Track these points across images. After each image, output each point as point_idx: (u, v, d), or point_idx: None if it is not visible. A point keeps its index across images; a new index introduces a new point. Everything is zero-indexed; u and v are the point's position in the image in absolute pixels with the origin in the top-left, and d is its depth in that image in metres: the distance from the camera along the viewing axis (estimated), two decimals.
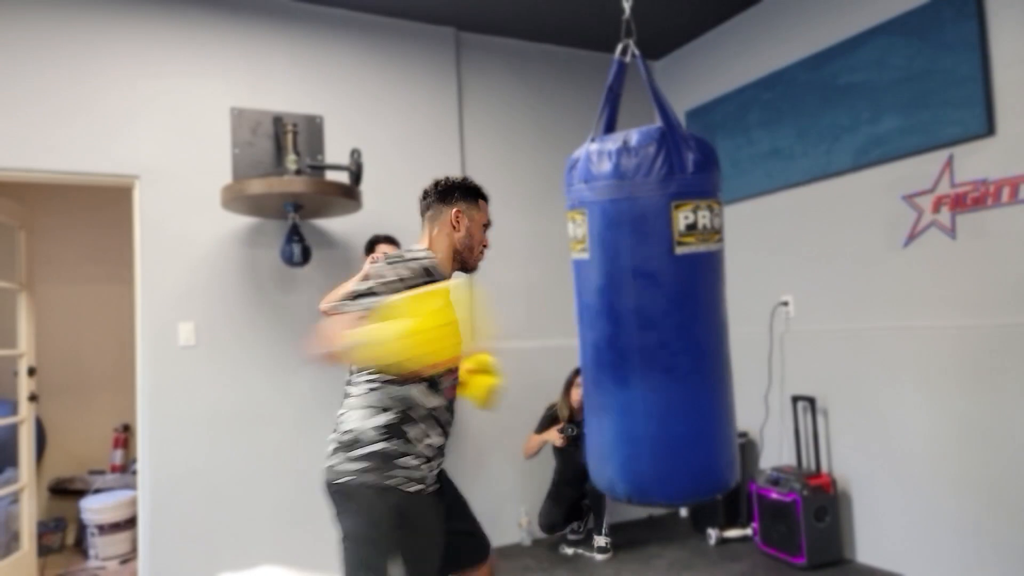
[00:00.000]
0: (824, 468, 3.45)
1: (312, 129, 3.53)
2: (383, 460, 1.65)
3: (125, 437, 4.54)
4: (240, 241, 3.43)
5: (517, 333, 3.90)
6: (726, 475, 1.93)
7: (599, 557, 3.59)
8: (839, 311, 3.43)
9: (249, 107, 3.43)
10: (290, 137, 3.32)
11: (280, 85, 3.55)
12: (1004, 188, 2.76)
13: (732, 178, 3.96)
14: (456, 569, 1.88)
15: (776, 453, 3.75)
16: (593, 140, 1.96)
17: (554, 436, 3.65)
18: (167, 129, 3.31)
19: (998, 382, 2.78)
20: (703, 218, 1.84)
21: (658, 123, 1.91)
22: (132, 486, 4.08)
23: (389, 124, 3.79)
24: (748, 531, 3.66)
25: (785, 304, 3.68)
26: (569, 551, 3.69)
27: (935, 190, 2.99)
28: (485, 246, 1.91)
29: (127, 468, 4.44)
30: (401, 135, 3.81)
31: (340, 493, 1.67)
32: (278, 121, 3.44)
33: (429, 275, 1.71)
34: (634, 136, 1.86)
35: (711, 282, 1.91)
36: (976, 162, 2.85)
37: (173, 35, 3.36)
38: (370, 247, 3.22)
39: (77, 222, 4.68)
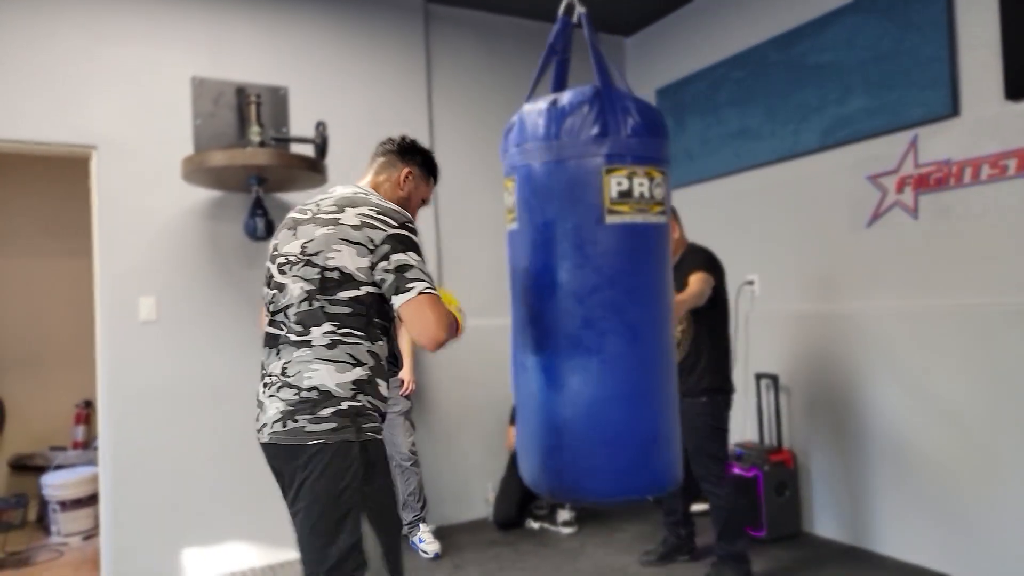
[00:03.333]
0: (785, 444, 3.51)
1: (276, 101, 3.45)
2: (356, 414, 1.61)
3: (87, 413, 4.47)
4: (202, 215, 3.35)
5: (484, 311, 3.88)
6: (661, 475, 1.74)
7: (564, 531, 3.63)
8: (804, 290, 3.47)
9: (211, 77, 3.33)
10: (253, 108, 3.24)
11: (243, 55, 3.46)
12: (966, 169, 2.80)
13: (701, 157, 3.96)
14: None
15: (740, 429, 3.80)
16: (527, 100, 1.81)
17: None
18: (126, 98, 3.21)
19: (956, 361, 2.84)
20: (640, 186, 1.67)
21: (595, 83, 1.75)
22: (95, 463, 4.01)
23: (356, 96, 3.72)
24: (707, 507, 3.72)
25: (751, 283, 3.71)
26: (535, 525, 3.73)
27: (899, 171, 3.02)
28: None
29: (89, 444, 4.38)
30: (368, 108, 3.74)
31: (302, 454, 1.58)
32: (241, 92, 3.34)
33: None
34: (567, 95, 1.71)
35: (649, 257, 1.73)
36: (940, 143, 2.87)
37: (132, 1, 3.24)
38: None
39: (34, 193, 4.55)
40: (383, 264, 1.61)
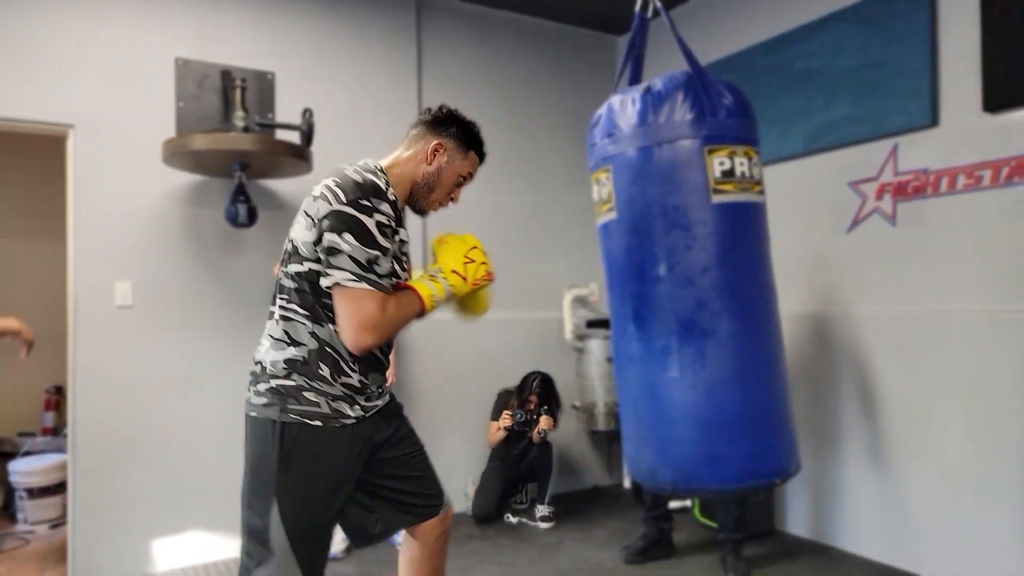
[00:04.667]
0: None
1: (263, 86, 3.40)
2: (285, 394, 1.54)
3: (57, 399, 4.37)
4: (182, 199, 3.29)
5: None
6: (784, 458, 1.69)
7: (542, 526, 3.65)
8: (784, 294, 3.49)
9: (196, 59, 3.28)
10: (239, 93, 3.19)
11: (230, 38, 3.40)
12: (943, 178, 2.86)
13: None
14: (406, 522, 1.81)
15: None
16: (615, 93, 1.80)
17: (505, 421, 3.68)
18: (106, 77, 3.14)
19: (928, 365, 2.91)
20: (741, 165, 1.65)
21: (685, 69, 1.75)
22: (64, 450, 3.93)
23: (345, 85, 3.68)
24: (688, 502, 3.77)
25: None
26: (513, 520, 3.74)
27: (879, 178, 3.08)
28: (452, 199, 1.72)
29: (59, 431, 4.28)
30: (357, 97, 3.70)
31: (247, 424, 1.60)
32: (226, 75, 3.29)
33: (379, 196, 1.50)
34: (659, 81, 1.70)
35: (755, 236, 1.73)
36: (919, 152, 2.94)
37: None
38: None
39: (7, 172, 4.42)
40: (321, 241, 1.46)
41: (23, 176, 4.42)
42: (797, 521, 3.45)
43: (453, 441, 3.92)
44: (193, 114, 3.25)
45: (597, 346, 4.12)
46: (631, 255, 1.71)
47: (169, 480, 3.20)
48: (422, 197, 1.66)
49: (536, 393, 3.74)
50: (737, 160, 1.66)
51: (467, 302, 1.73)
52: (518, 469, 3.78)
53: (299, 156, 3.09)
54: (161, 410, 3.20)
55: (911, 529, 2.95)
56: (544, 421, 3.66)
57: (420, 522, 1.81)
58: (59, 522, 3.80)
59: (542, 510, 3.69)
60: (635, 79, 1.91)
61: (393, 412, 1.78)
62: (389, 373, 3.39)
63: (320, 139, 3.29)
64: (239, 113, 3.14)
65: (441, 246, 1.69)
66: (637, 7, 1.93)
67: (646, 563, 3.13)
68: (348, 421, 1.59)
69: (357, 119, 3.68)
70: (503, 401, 3.82)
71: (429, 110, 1.69)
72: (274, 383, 1.55)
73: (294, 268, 1.54)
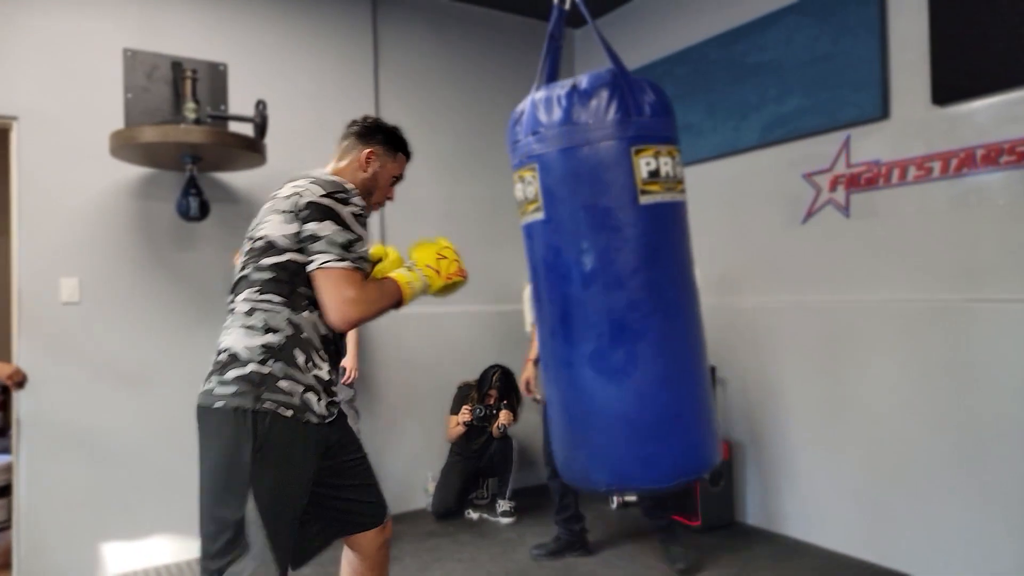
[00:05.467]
0: (722, 435, 3.59)
1: (215, 77, 3.32)
2: (259, 382, 1.54)
3: (3, 399, 4.24)
4: (131, 193, 3.22)
5: (430, 299, 3.85)
6: (711, 452, 1.74)
7: (504, 521, 3.63)
8: (741, 284, 3.54)
9: (144, 49, 3.20)
10: (189, 84, 3.11)
11: (180, 28, 3.33)
12: (894, 170, 2.90)
13: None
14: (346, 532, 1.79)
15: None
16: (538, 89, 1.79)
17: (465, 416, 3.65)
18: (51, 68, 3.06)
19: (884, 353, 2.94)
20: (665, 165, 1.66)
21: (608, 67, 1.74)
22: (9, 451, 3.82)
23: (299, 77, 3.63)
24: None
25: None
26: (474, 516, 3.71)
27: (832, 169, 3.12)
28: (389, 198, 1.89)
29: (4, 432, 4.15)
30: (312, 89, 3.66)
31: (208, 417, 1.58)
32: (177, 66, 3.21)
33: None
34: (584, 79, 1.69)
35: (680, 236, 1.75)
36: (870, 144, 2.98)
37: None
38: None
39: None
40: (301, 232, 1.59)
41: None
42: (758, 513, 3.47)
43: (412, 435, 3.89)
44: (142, 106, 3.17)
45: None
46: (559, 256, 1.69)
47: (120, 481, 3.12)
48: (364, 200, 1.77)
49: (496, 387, 3.72)
50: (662, 160, 1.67)
51: (441, 295, 1.85)
52: (479, 464, 3.76)
53: (252, 148, 3.03)
54: (111, 408, 3.12)
55: (871, 519, 2.98)
56: (504, 416, 3.64)
57: (362, 532, 1.79)
58: (3, 526, 3.68)
59: (503, 505, 3.67)
60: (552, 74, 1.91)
61: (340, 419, 1.77)
62: (351, 368, 3.39)
63: (274, 131, 3.23)
64: (190, 105, 3.07)
65: (416, 247, 1.82)
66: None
67: (560, 559, 3.11)
68: (313, 419, 1.60)
69: (312, 111, 3.63)
70: (463, 395, 3.79)
71: (355, 122, 1.85)
72: (249, 369, 1.54)
73: (270, 260, 1.60)
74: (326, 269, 1.55)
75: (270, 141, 3.19)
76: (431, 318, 3.96)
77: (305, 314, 1.61)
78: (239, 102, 3.34)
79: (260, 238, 1.63)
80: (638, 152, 1.64)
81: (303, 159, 3.52)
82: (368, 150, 1.80)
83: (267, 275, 1.60)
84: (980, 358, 2.62)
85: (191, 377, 3.27)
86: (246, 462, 1.51)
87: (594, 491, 1.77)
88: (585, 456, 1.72)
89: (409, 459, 3.88)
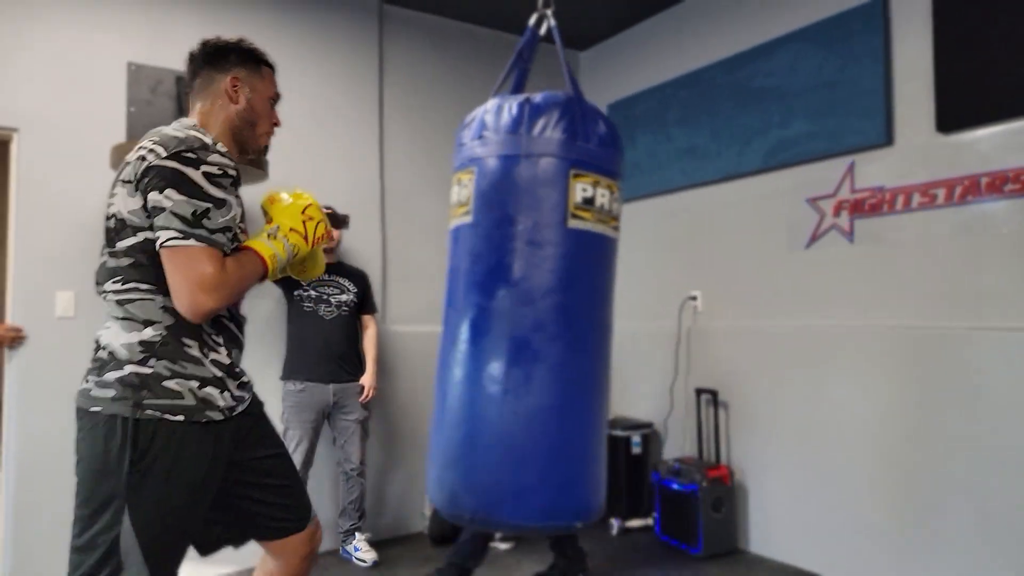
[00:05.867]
0: (723, 460, 3.55)
1: None
2: (140, 385, 1.36)
3: None
4: None
5: (432, 317, 3.81)
6: (591, 498, 1.64)
7: (502, 547, 3.56)
8: (744, 307, 3.53)
9: (149, 63, 3.18)
10: None
11: (185, 43, 3.26)
12: (899, 196, 2.91)
13: (650, 172, 4.01)
14: (256, 536, 1.59)
15: (679, 444, 3.83)
16: (493, 97, 1.79)
17: None
18: (55, 80, 3.04)
19: (886, 380, 2.92)
20: (602, 197, 1.66)
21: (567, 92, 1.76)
22: None
23: (304, 92, 3.62)
24: (650, 521, 3.73)
25: (693, 299, 3.76)
26: None
27: (837, 195, 3.12)
28: (276, 124, 1.62)
29: None
30: (316, 104, 3.65)
31: (84, 419, 1.42)
32: (181, 81, 3.19)
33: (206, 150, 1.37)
34: (539, 96, 1.69)
35: (602, 270, 1.71)
36: (875, 170, 2.98)
37: None
38: None
39: None
40: (147, 204, 1.34)
41: None
42: (761, 540, 3.42)
43: (410, 458, 3.83)
44: (145, 119, 3.14)
45: None
46: (479, 263, 1.66)
47: None
48: (248, 136, 1.56)
49: None
50: (599, 191, 1.66)
51: (307, 262, 1.66)
52: None
53: (254, 163, 3.01)
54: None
55: (879, 550, 2.95)
56: None
57: (278, 538, 1.60)
58: None
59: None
60: (518, 91, 1.92)
61: (254, 408, 1.58)
62: (369, 387, 3.35)
63: (276, 146, 3.20)
64: None
65: (274, 205, 1.56)
66: (531, 22, 1.95)
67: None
68: (216, 415, 1.41)
69: (314, 126, 3.62)
70: None
71: (197, 52, 1.56)
72: (127, 370, 1.37)
73: (125, 243, 1.39)
74: (168, 248, 1.31)
75: (272, 156, 3.17)
76: (429, 337, 3.92)
77: None
78: None
79: (111, 216, 1.41)
80: (576, 176, 1.64)
81: (306, 175, 3.55)
82: (230, 76, 1.52)
83: (125, 261, 1.39)
84: (983, 386, 2.60)
85: None
86: (122, 474, 1.34)
87: (458, 518, 1.64)
88: (457, 478, 1.63)
89: (407, 482, 3.81)
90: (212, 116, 1.52)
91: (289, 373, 3.28)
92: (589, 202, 1.65)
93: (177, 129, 1.41)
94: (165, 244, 1.32)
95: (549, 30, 1.94)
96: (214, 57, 1.54)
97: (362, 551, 3.31)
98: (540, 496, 1.56)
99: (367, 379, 3.35)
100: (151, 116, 3.16)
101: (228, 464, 1.48)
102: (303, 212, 1.54)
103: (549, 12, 1.94)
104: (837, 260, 3.11)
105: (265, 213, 1.58)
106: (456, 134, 1.83)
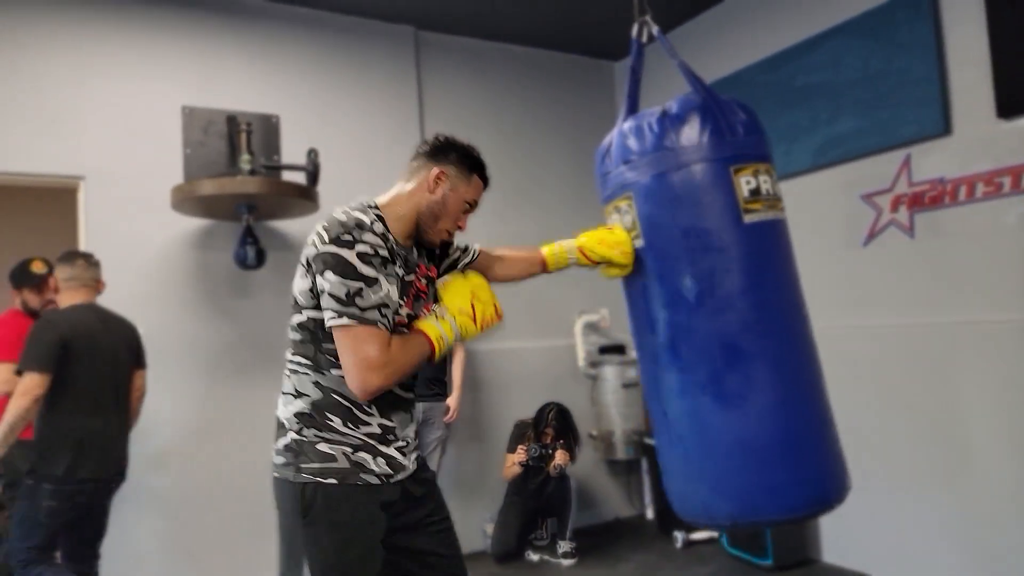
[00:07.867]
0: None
1: (268, 129, 3.42)
2: (298, 452, 1.47)
3: None
4: (192, 244, 3.30)
5: (482, 336, 3.85)
6: (841, 480, 1.65)
7: (565, 563, 3.53)
8: None
9: (201, 106, 3.31)
10: (244, 137, 3.21)
11: (234, 84, 3.44)
12: (961, 187, 2.80)
13: None
14: None
15: None
16: (624, 120, 1.79)
17: (520, 456, 3.61)
18: (115, 128, 3.19)
19: (956, 379, 2.80)
20: (765, 183, 1.64)
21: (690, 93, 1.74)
22: None
23: (348, 124, 3.70)
24: (715, 533, 3.65)
25: None
26: (535, 557, 3.63)
27: (893, 189, 3.02)
28: (460, 227, 1.64)
29: None
30: (361, 135, 3.73)
31: (273, 484, 1.54)
32: (231, 120, 3.32)
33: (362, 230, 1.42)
34: (673, 105, 1.68)
35: (786, 255, 1.71)
36: (933, 161, 2.88)
37: (121, 31, 3.24)
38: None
39: (14, 225, 4.48)
40: (315, 287, 1.43)
41: (30, 229, 4.47)
42: (834, 550, 3.31)
43: (469, 475, 3.84)
44: (200, 159, 3.27)
45: (611, 372, 4.04)
46: (662, 282, 1.66)
47: (186, 533, 3.14)
48: (429, 227, 1.59)
49: (552, 426, 3.66)
50: (761, 178, 1.64)
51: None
52: (537, 503, 3.69)
53: (305, 196, 3.09)
54: (176, 459, 3.16)
55: (968, 558, 2.81)
56: (560, 456, 3.57)
57: None
58: None
59: (563, 546, 3.58)
60: (632, 106, 1.90)
61: (423, 476, 1.64)
62: (454, 408, 3.40)
63: (326, 178, 3.29)
64: (245, 156, 3.16)
65: (446, 287, 1.63)
66: (633, 34, 1.94)
67: None
68: (372, 480, 1.47)
69: (361, 157, 3.69)
70: (519, 433, 3.74)
71: (427, 141, 1.64)
72: (291, 437, 1.49)
73: (295, 320, 1.51)
74: (336, 330, 1.40)
75: (322, 188, 3.25)
76: (485, 355, 3.94)
77: (334, 371, 1.47)
78: (292, 151, 3.42)
79: (292, 295, 1.52)
80: (737, 171, 1.62)
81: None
82: (438, 169, 1.57)
83: (295, 336, 1.52)
84: None
85: (252, 426, 3.33)
86: (299, 530, 1.48)
87: (716, 525, 1.68)
88: (706, 489, 1.64)
89: (465, 498, 3.82)
90: (407, 198, 1.57)
91: None
92: (755, 193, 1.63)
93: (344, 212, 1.47)
94: (329, 324, 1.40)
95: (651, 36, 1.93)
96: (438, 150, 1.61)
97: None
98: (794, 489, 1.59)
99: (452, 400, 3.42)
100: (206, 157, 3.28)
101: (393, 530, 1.52)
102: (473, 294, 1.60)
103: (648, 18, 1.93)
104: (898, 256, 3.00)
105: (438, 296, 1.62)
106: (597, 167, 1.82)
